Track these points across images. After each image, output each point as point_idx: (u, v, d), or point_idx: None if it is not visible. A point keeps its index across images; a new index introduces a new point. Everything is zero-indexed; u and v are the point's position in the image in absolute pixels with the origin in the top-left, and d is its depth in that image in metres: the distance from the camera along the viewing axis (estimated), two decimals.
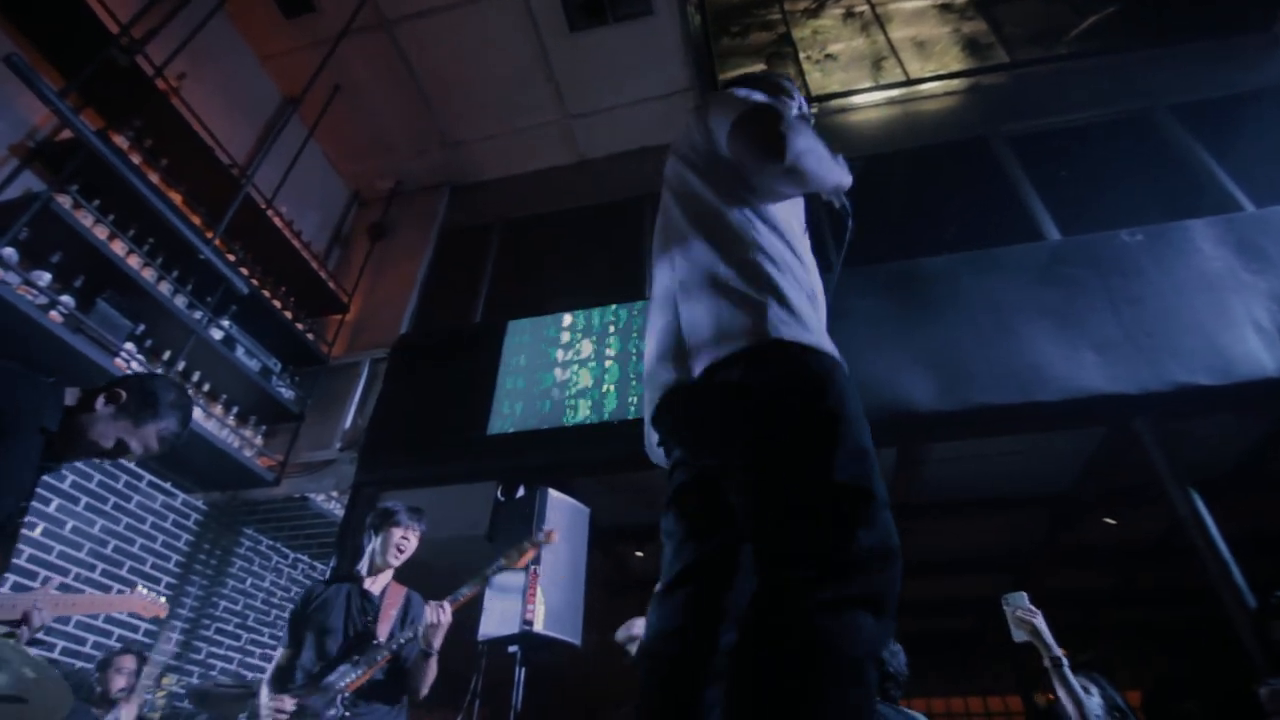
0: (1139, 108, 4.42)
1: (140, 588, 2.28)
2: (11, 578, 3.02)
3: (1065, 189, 4.10)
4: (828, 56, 5.36)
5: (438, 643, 2.39)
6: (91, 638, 3.36)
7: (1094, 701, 2.30)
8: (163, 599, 2.27)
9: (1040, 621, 2.32)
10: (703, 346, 1.13)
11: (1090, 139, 4.41)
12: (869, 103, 5.10)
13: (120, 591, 3.38)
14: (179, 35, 3.78)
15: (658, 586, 1.18)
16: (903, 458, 4.39)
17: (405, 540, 2.60)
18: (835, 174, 1.31)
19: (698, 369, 1.12)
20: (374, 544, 2.62)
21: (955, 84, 5.02)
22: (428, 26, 4.67)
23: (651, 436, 1.32)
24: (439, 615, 2.38)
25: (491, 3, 4.51)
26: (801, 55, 5.33)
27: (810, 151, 1.21)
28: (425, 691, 2.46)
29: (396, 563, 2.61)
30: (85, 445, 1.74)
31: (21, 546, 3.08)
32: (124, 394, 1.77)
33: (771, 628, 0.87)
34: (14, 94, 3.14)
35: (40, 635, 3.12)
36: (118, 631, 3.49)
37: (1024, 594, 2.41)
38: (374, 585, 2.59)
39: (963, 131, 4.67)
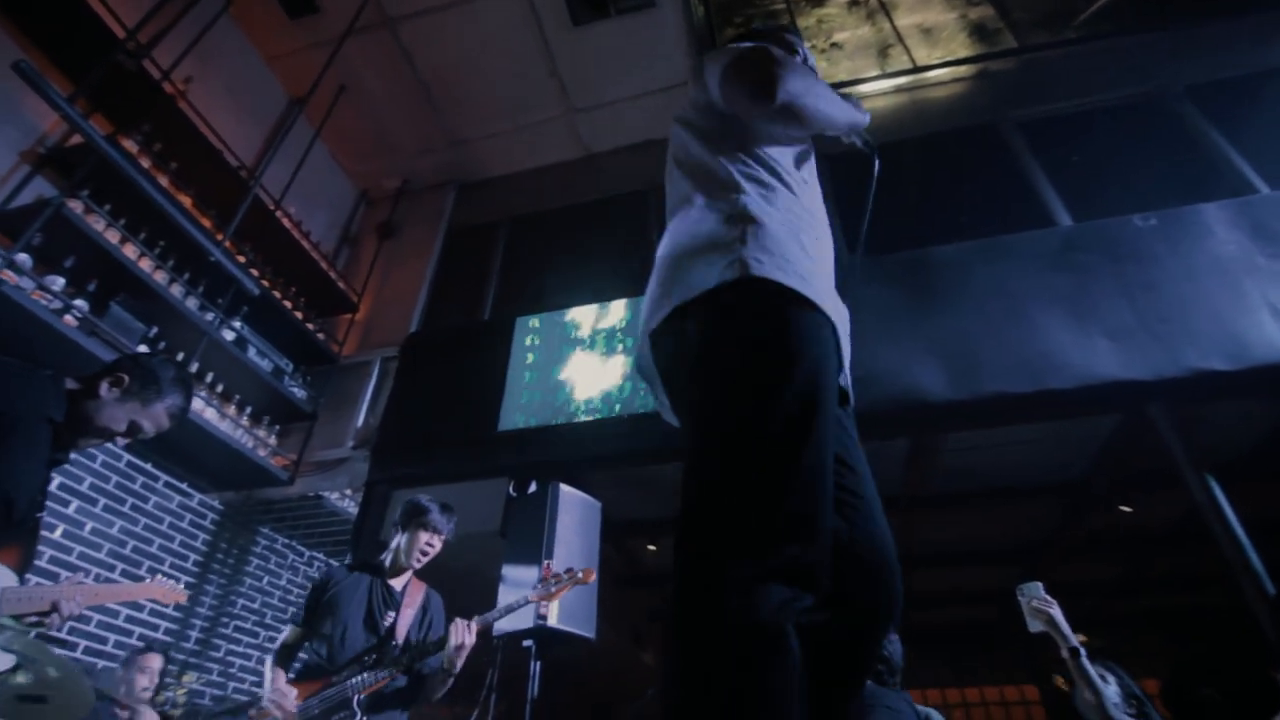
0: (1150, 90, 4.36)
1: (159, 576, 2.31)
2: (32, 579, 3.06)
3: (1077, 174, 4.06)
4: (833, 45, 5.32)
5: (460, 663, 2.34)
6: (113, 636, 3.41)
7: (1111, 690, 2.29)
8: (181, 585, 2.30)
9: (1056, 611, 2.31)
10: (674, 291, 1.11)
11: (1101, 123, 4.36)
12: (876, 91, 5.06)
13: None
14: (185, 38, 3.79)
15: None
16: (914, 449, 4.37)
17: (430, 545, 2.56)
18: (846, 112, 1.29)
19: (664, 311, 1.12)
20: (399, 539, 2.60)
21: (963, 70, 4.97)
22: (430, 24, 4.67)
23: (662, 399, 1.29)
24: (465, 637, 2.31)
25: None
26: (806, 44, 5.30)
27: (808, 91, 1.19)
28: (435, 700, 2.46)
29: (418, 565, 2.58)
30: (96, 430, 1.76)
31: (42, 548, 3.12)
32: (126, 377, 1.79)
33: (684, 607, 0.86)
34: (23, 100, 3.17)
35: (64, 633, 3.17)
36: (138, 630, 3.53)
37: (1039, 584, 2.39)
38: (396, 581, 2.58)
39: (972, 118, 4.63)
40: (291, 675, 2.39)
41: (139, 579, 3.55)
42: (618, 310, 4.15)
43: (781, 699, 0.79)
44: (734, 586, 0.83)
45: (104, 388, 1.76)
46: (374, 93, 5.11)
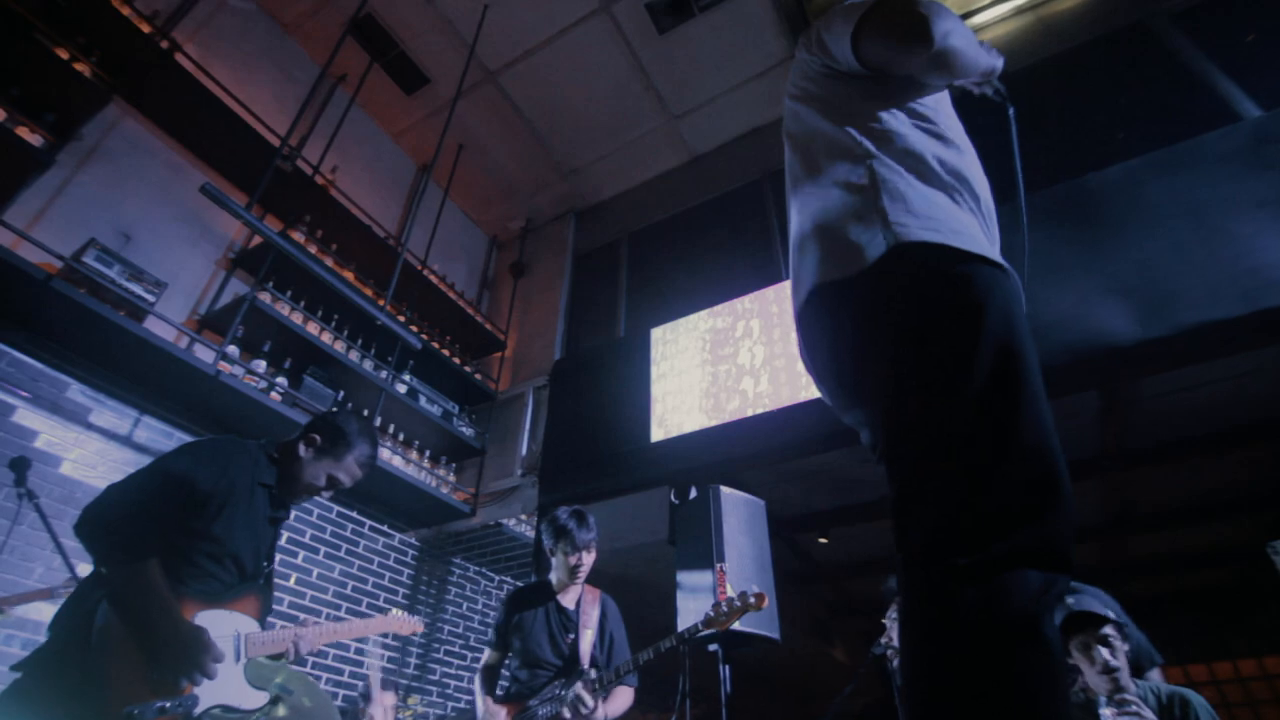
0: None
1: (395, 610, 2.57)
2: (277, 623, 3.53)
3: (1256, 56, 3.46)
4: None
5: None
6: (348, 669, 3.84)
7: None
8: (416, 617, 2.54)
9: None
10: (819, 269, 1.06)
11: None
12: (995, 18, 4.63)
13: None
14: (325, 134, 4.28)
15: None
16: (1108, 401, 3.90)
17: (581, 562, 2.64)
18: (984, 57, 1.17)
19: (804, 292, 1.08)
20: (555, 562, 2.71)
21: None
22: (527, 69, 4.91)
23: (825, 385, 1.22)
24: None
25: (579, 29, 4.65)
26: None
27: (955, 30, 1.07)
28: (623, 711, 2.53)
29: (580, 580, 2.68)
30: (304, 488, 1.98)
31: (279, 595, 3.60)
32: (318, 437, 2.00)
33: (918, 608, 0.78)
34: (211, 216, 3.72)
35: (308, 669, 3.62)
36: (368, 661, 3.96)
37: None
38: (569, 599, 2.68)
39: (1113, 22, 4.10)
40: (499, 694, 2.57)
41: (360, 614, 3.99)
42: (748, 304, 4.10)
43: (1046, 702, 0.70)
44: (970, 578, 0.74)
45: (301, 449, 1.98)
46: (489, 144, 5.46)
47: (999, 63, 1.22)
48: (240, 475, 1.83)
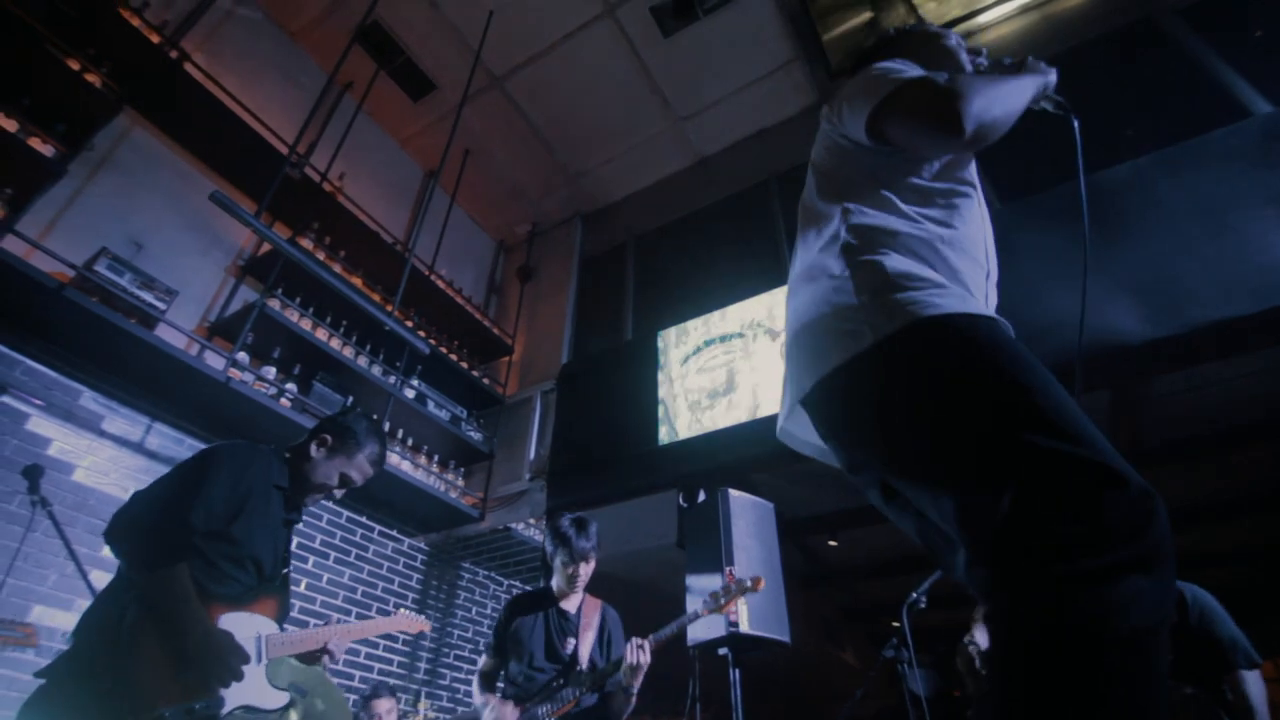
0: None
1: (404, 610, 2.59)
2: (289, 628, 3.55)
3: (1267, 51, 3.44)
4: None
5: (637, 684, 2.36)
6: (358, 673, 3.86)
7: None
8: (423, 616, 2.56)
9: None
10: (813, 365, 1.08)
11: None
12: (999, 18, 4.61)
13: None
14: (333, 141, 4.31)
15: None
16: (1118, 400, 3.88)
17: (576, 575, 2.62)
18: (1029, 88, 1.14)
19: (807, 386, 1.08)
20: (555, 569, 2.68)
21: None
22: (533, 74, 4.93)
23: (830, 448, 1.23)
24: (639, 656, 2.33)
25: (585, 33, 4.67)
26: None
27: (990, 104, 1.03)
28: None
29: (580, 589, 2.65)
30: (316, 488, 2.02)
31: (291, 600, 3.62)
32: (330, 437, 2.05)
33: (1021, 614, 0.75)
34: (221, 224, 3.74)
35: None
36: (377, 665, 3.97)
37: None
38: (569, 604, 2.66)
39: (1119, 18, 4.08)
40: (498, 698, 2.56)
41: (370, 618, 4.00)
42: (755, 306, 4.10)
43: (1153, 716, 0.68)
44: (1083, 584, 0.72)
45: (313, 449, 2.03)
46: (495, 149, 5.48)
47: (1051, 78, 1.19)
48: (257, 478, 1.88)
